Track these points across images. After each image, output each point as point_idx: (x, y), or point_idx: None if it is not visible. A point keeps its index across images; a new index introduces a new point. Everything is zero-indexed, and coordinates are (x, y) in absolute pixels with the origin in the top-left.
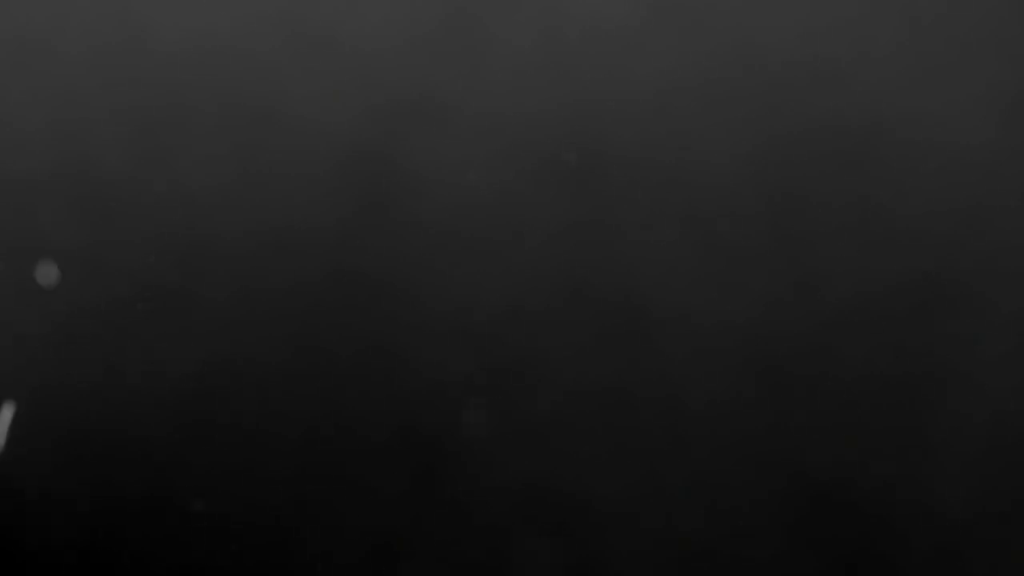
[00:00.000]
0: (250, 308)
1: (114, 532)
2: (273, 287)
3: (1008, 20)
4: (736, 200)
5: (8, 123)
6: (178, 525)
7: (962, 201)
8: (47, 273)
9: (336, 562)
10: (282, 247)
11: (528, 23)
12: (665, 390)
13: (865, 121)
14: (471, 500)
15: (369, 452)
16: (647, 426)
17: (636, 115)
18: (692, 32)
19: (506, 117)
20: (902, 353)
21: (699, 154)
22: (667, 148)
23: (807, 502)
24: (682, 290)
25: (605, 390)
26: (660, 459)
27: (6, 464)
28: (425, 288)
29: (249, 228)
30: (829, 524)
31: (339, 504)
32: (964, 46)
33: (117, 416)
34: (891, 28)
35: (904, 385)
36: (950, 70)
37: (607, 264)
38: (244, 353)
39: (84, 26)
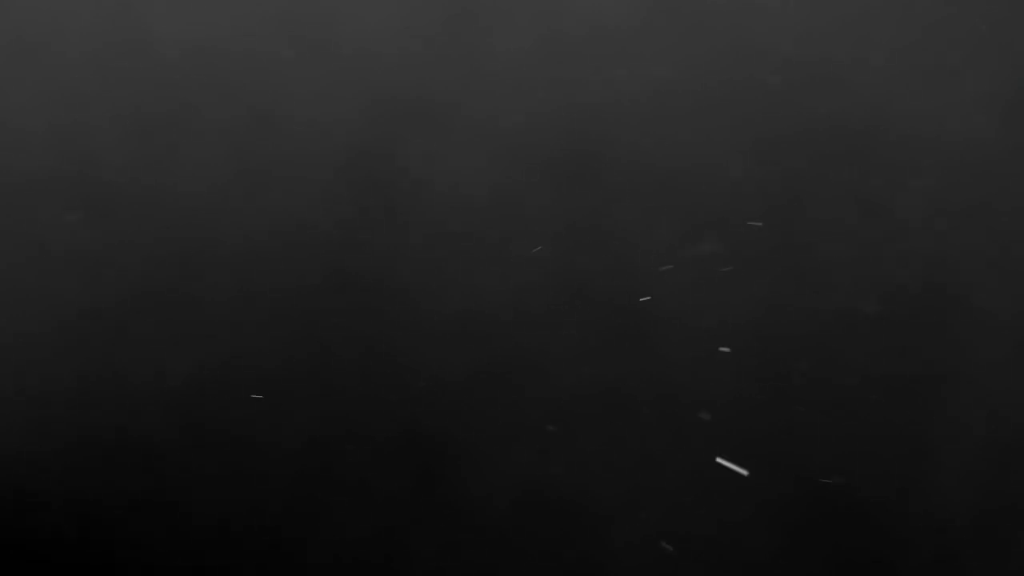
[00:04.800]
0: (250, 308)
1: (114, 532)
2: (273, 287)
3: (1008, 20)
4: (736, 200)
5: (8, 123)
6: (178, 526)
7: (962, 201)
8: None
9: (336, 563)
10: (282, 247)
11: (528, 23)
12: (665, 391)
13: (865, 121)
14: (471, 500)
15: (369, 453)
16: (647, 427)
17: (636, 115)
18: (692, 32)
19: (506, 117)
20: (902, 354)
21: (699, 154)
22: (667, 148)
23: (807, 503)
24: (682, 290)
25: (605, 390)
26: (660, 460)
27: (7, 464)
28: (425, 288)
29: (249, 229)
30: (829, 525)
31: (339, 505)
32: (964, 46)
33: (117, 416)
34: (891, 28)
35: (904, 386)
36: (950, 70)
37: (607, 264)
38: (244, 354)
39: (84, 26)
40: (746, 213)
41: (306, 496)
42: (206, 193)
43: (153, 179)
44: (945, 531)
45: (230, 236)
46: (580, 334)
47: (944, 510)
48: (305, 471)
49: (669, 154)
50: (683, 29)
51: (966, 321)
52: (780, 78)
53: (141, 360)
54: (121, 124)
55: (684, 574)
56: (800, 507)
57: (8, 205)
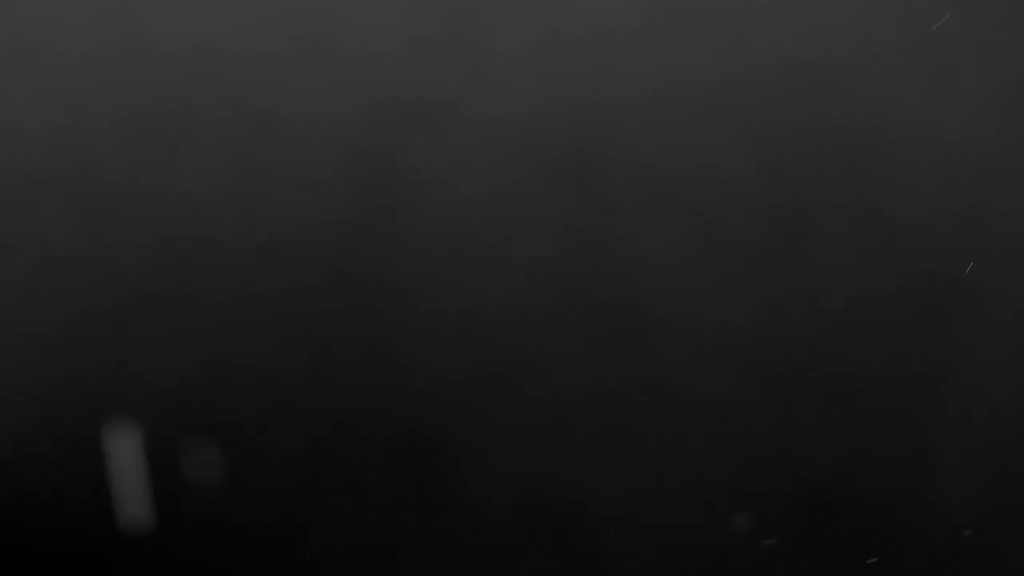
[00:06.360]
0: (250, 308)
1: (114, 532)
2: (273, 287)
3: (1008, 20)
4: (736, 200)
5: (8, 123)
6: (178, 525)
7: (962, 201)
8: None
9: (336, 562)
10: (282, 248)
11: (528, 23)
12: (666, 391)
13: (865, 121)
14: (471, 500)
15: (369, 452)
16: (648, 427)
17: (636, 116)
18: (692, 32)
19: (506, 118)
20: (902, 353)
21: (699, 154)
22: (667, 148)
23: (807, 503)
24: (683, 291)
25: (606, 391)
26: (660, 460)
27: (7, 464)
28: (425, 288)
29: (249, 228)
30: (829, 525)
31: (339, 504)
32: (964, 46)
33: (117, 416)
34: (891, 28)
35: (904, 385)
36: (950, 70)
37: (607, 264)
38: (244, 354)
39: (84, 26)
40: (746, 213)
41: (306, 496)
42: (206, 193)
43: (153, 179)
44: (945, 531)
45: (230, 236)
46: (580, 334)
47: (944, 510)
48: (305, 471)
49: (669, 154)
50: (683, 29)
51: (966, 321)
52: (780, 78)
53: (141, 360)
54: (121, 124)
55: (684, 574)
56: (800, 507)
57: (8, 205)
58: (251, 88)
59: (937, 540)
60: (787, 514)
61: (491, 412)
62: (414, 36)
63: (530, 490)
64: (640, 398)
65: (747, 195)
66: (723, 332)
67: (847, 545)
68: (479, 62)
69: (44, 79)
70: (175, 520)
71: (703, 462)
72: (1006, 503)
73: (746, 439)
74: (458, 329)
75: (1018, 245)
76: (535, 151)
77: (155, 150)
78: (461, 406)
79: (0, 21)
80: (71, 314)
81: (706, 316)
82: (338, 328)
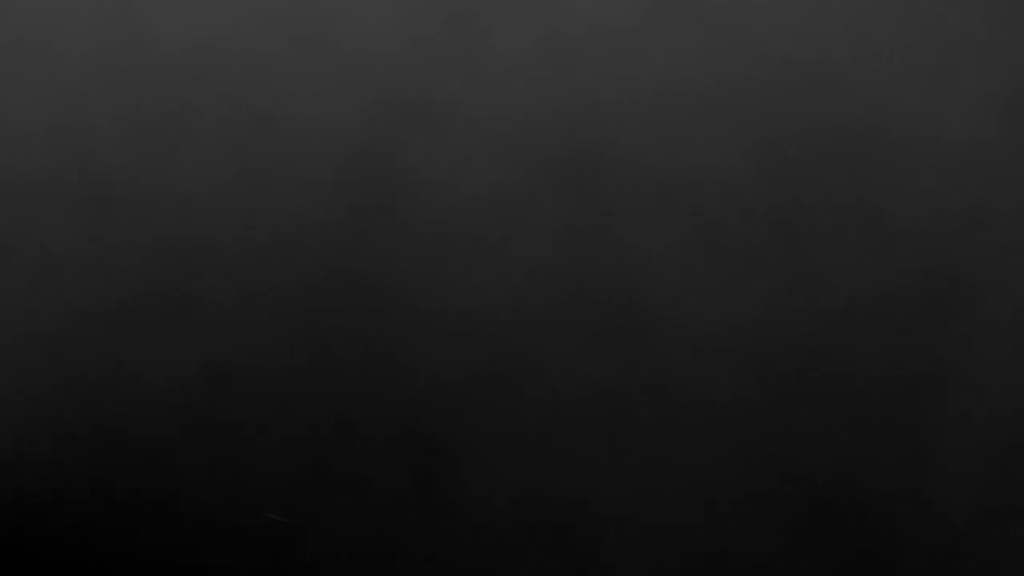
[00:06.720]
0: (250, 308)
1: (114, 532)
2: (273, 287)
3: (1008, 20)
4: (736, 200)
5: (8, 123)
6: (178, 525)
7: (962, 201)
8: None
9: (336, 562)
10: (282, 247)
11: (528, 23)
12: (666, 391)
13: (865, 121)
14: (471, 500)
15: (369, 452)
16: (648, 428)
17: (636, 116)
18: (692, 32)
19: (507, 118)
20: (902, 353)
21: (699, 155)
22: (667, 149)
23: (807, 503)
24: (683, 291)
25: (606, 391)
26: (660, 460)
27: (7, 464)
28: (425, 288)
29: (249, 228)
30: (829, 525)
31: (338, 504)
32: (964, 46)
33: (116, 416)
34: (891, 28)
35: (904, 385)
36: (950, 70)
37: (607, 264)
38: (243, 354)
39: (84, 26)
40: (746, 213)
41: (305, 496)
42: (206, 193)
43: (153, 179)
44: (945, 531)
45: (230, 236)
46: (580, 334)
47: (944, 510)
48: (304, 471)
49: (669, 154)
50: (683, 29)
51: (966, 321)
52: (780, 78)
53: (141, 360)
54: (121, 124)
55: (684, 574)
56: (800, 507)
57: (8, 205)
58: (251, 88)
59: (937, 540)
60: (787, 514)
61: (491, 412)
62: (414, 36)
63: (530, 490)
64: (640, 398)
65: (747, 195)
66: (723, 332)
67: (847, 545)
68: (479, 62)
69: (44, 79)
70: (175, 520)
71: (703, 462)
72: (1006, 503)
73: (746, 439)
74: (458, 329)
75: (1018, 245)
76: (535, 151)
77: (155, 150)
78: (461, 406)
79: (0, 21)
80: (71, 314)
81: (706, 316)
82: (338, 328)
